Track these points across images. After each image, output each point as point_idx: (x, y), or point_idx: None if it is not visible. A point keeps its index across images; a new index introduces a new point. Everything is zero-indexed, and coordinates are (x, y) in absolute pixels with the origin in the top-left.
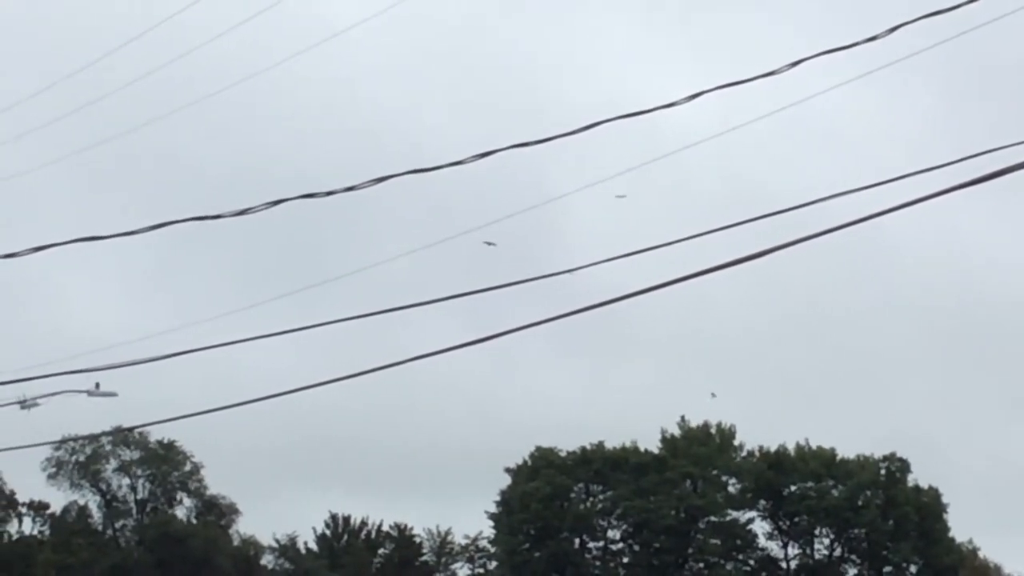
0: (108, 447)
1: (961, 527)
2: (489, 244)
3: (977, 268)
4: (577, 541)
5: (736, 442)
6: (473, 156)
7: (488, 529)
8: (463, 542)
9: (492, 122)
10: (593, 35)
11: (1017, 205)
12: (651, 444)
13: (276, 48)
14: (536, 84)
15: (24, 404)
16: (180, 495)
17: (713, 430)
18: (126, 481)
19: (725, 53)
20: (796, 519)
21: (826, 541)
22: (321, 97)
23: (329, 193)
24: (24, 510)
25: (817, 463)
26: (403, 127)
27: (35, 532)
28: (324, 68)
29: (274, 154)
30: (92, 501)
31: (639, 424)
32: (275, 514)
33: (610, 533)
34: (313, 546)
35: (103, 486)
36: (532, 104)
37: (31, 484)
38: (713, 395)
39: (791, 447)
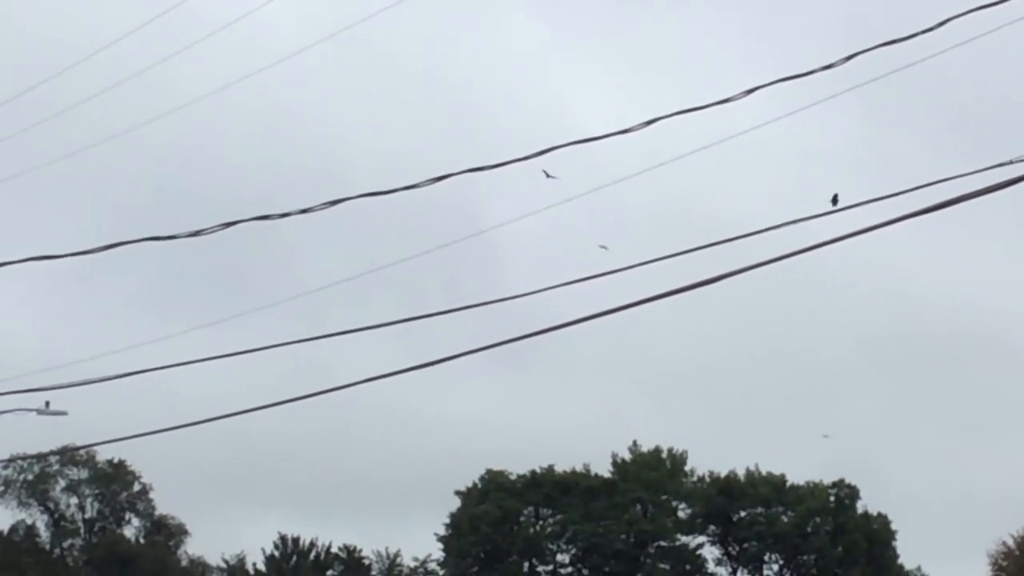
0: (57, 466)
1: (910, 554)
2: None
3: (922, 297)
4: (526, 564)
5: (687, 467)
6: (428, 180)
7: (437, 552)
8: (412, 564)
9: (442, 146)
10: (539, 62)
11: (960, 235)
12: (602, 468)
13: (229, 70)
14: (482, 109)
15: None
16: (129, 515)
17: (664, 455)
18: (74, 500)
19: (662, 75)
20: (745, 545)
21: (775, 567)
22: (273, 120)
23: (283, 215)
24: None
25: (767, 489)
26: (357, 150)
27: None
28: (275, 91)
29: (229, 176)
30: (40, 520)
31: (590, 448)
32: (224, 535)
33: (560, 557)
34: (262, 567)
35: (51, 505)
36: (483, 130)
37: None
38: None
39: (741, 473)
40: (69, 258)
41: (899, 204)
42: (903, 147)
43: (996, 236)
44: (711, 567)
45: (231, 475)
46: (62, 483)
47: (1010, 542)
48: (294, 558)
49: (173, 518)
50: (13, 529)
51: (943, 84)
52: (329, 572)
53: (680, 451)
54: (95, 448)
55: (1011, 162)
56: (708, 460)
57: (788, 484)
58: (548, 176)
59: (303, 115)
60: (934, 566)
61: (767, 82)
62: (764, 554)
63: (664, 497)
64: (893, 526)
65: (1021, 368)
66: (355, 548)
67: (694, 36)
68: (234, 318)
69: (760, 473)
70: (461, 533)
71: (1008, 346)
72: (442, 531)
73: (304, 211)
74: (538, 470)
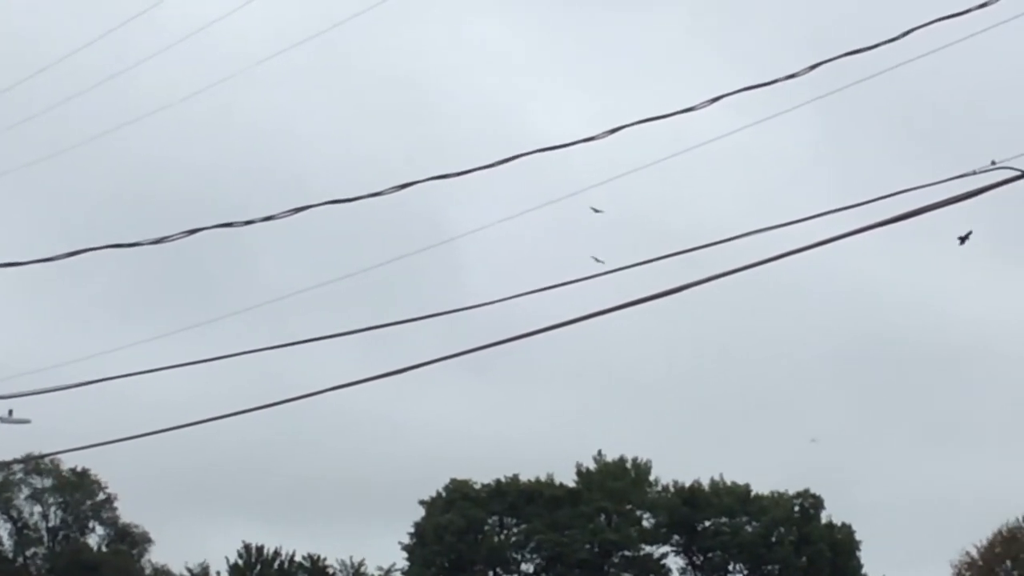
0: (20, 475)
1: (874, 564)
2: (596, 211)
3: (886, 307)
4: (491, 574)
5: (651, 477)
6: (392, 188)
7: (402, 561)
8: (376, 573)
9: (407, 153)
10: (504, 69)
11: (924, 245)
12: (566, 478)
13: (194, 77)
14: (447, 116)
15: None
16: (93, 523)
17: (628, 465)
18: (38, 509)
19: (626, 82)
20: (710, 554)
21: None
22: (236, 127)
23: (247, 222)
24: None
25: (731, 499)
26: (322, 157)
27: None
28: (239, 98)
29: (193, 183)
30: (3, 529)
31: (554, 457)
32: (188, 543)
33: (524, 566)
34: None
35: (14, 514)
36: (447, 136)
37: None
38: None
39: (705, 483)
40: (32, 265)
41: (864, 214)
42: (866, 157)
43: (958, 246)
44: None
45: (195, 483)
46: (26, 491)
47: (973, 552)
48: (258, 567)
49: (137, 526)
50: None
51: (906, 94)
52: None
53: (644, 461)
54: (59, 456)
55: (974, 172)
56: (672, 470)
57: (752, 494)
58: (596, 211)
59: (267, 122)
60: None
61: (731, 91)
62: (728, 564)
63: (628, 507)
64: (857, 536)
65: (986, 378)
66: (319, 557)
67: (658, 44)
68: (198, 326)
69: (724, 483)
70: (425, 542)
71: (973, 356)
72: (406, 540)
73: (268, 218)
74: (503, 479)
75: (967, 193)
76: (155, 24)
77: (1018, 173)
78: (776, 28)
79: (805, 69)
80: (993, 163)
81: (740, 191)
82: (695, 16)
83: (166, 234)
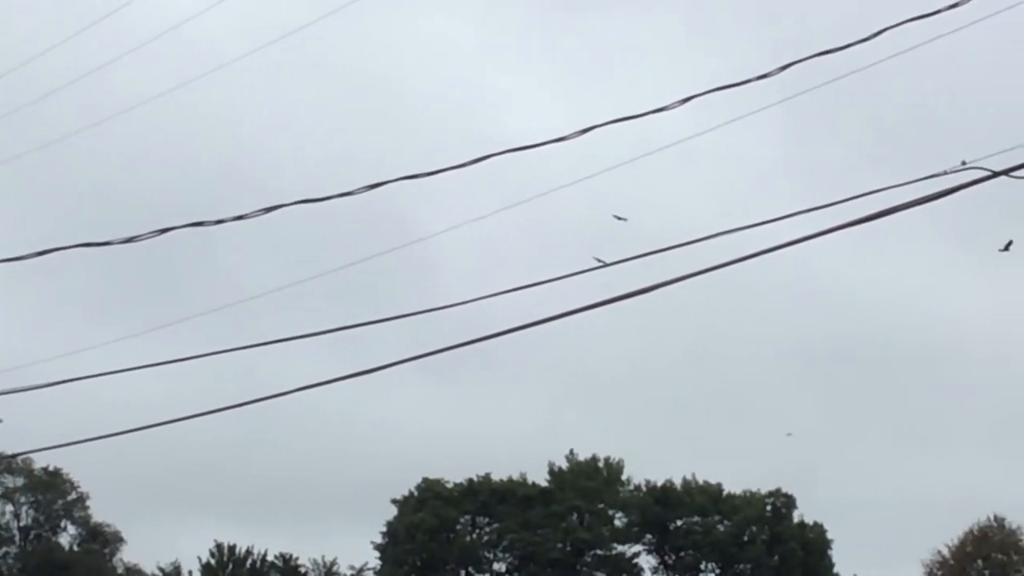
0: None
1: (845, 563)
2: (620, 219)
3: (857, 307)
4: (463, 573)
5: (623, 476)
6: (363, 187)
7: (374, 560)
8: (348, 573)
9: (377, 152)
10: (475, 68)
11: (895, 245)
12: (538, 477)
13: (164, 76)
14: (418, 115)
15: None
16: (64, 523)
17: (600, 464)
18: (9, 508)
19: (597, 82)
20: (682, 553)
21: None
22: (207, 126)
23: (218, 222)
24: None
25: (703, 498)
26: (292, 156)
27: None
28: (209, 97)
29: (163, 182)
30: None
31: (526, 457)
32: (159, 543)
33: (496, 565)
34: (198, 575)
35: None
36: (418, 136)
37: None
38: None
39: (678, 482)
40: (1, 264)
41: (835, 213)
42: (837, 157)
43: (931, 246)
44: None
45: (167, 483)
46: None
47: (945, 551)
48: (230, 566)
49: (109, 526)
50: None
51: (878, 94)
52: None
53: (617, 460)
54: (31, 456)
55: (944, 172)
56: (645, 469)
57: (724, 493)
58: (619, 219)
59: (238, 121)
60: (870, 574)
61: (702, 91)
62: (700, 563)
63: (601, 506)
64: (829, 535)
65: (957, 377)
66: (291, 556)
67: (630, 44)
68: (169, 325)
69: (697, 482)
70: (398, 541)
71: (945, 355)
72: (378, 539)
73: (239, 218)
74: (475, 479)
75: (938, 193)
76: (126, 22)
77: (989, 173)
78: (748, 28)
79: (776, 69)
80: (964, 163)
81: (712, 191)
82: (667, 16)
83: (136, 233)
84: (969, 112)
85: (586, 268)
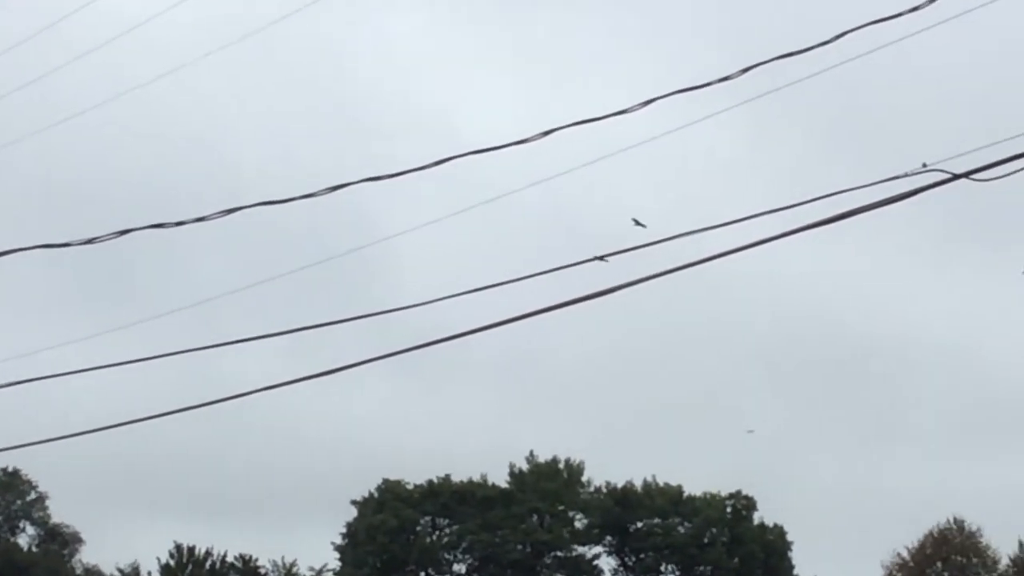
0: None
1: (805, 565)
2: (639, 224)
3: (818, 308)
4: (423, 574)
5: (583, 478)
6: (325, 189)
7: (334, 561)
8: (308, 574)
9: (339, 154)
10: (436, 70)
11: (855, 246)
12: (499, 478)
13: (124, 77)
14: (380, 117)
15: None
16: (23, 523)
17: (561, 465)
18: None
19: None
20: (642, 555)
21: None
22: (168, 128)
23: (179, 223)
24: None
25: (664, 500)
26: (253, 158)
27: None
28: (170, 99)
29: (124, 183)
30: None
31: (487, 458)
32: (119, 543)
33: (456, 567)
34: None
35: None
36: (380, 138)
37: None
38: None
39: (638, 483)
40: None
41: (797, 215)
42: (799, 159)
43: (891, 248)
44: None
45: (127, 483)
46: None
47: (905, 553)
48: (189, 567)
49: (68, 526)
50: None
51: (839, 97)
52: None
53: (577, 461)
54: None
55: (905, 175)
56: (605, 471)
57: (685, 495)
58: (638, 224)
59: (199, 123)
60: None
61: (664, 93)
62: (660, 565)
63: (561, 507)
64: (789, 537)
65: (918, 379)
66: (251, 557)
67: (590, 45)
68: (130, 326)
69: (657, 484)
70: (358, 543)
71: (905, 357)
72: (339, 540)
73: (200, 219)
74: (435, 480)
75: (899, 195)
76: (85, 23)
77: (949, 176)
78: (710, 30)
79: (738, 72)
80: (925, 165)
81: (673, 193)
82: (628, 17)
83: (97, 234)
84: (930, 114)
85: (547, 269)
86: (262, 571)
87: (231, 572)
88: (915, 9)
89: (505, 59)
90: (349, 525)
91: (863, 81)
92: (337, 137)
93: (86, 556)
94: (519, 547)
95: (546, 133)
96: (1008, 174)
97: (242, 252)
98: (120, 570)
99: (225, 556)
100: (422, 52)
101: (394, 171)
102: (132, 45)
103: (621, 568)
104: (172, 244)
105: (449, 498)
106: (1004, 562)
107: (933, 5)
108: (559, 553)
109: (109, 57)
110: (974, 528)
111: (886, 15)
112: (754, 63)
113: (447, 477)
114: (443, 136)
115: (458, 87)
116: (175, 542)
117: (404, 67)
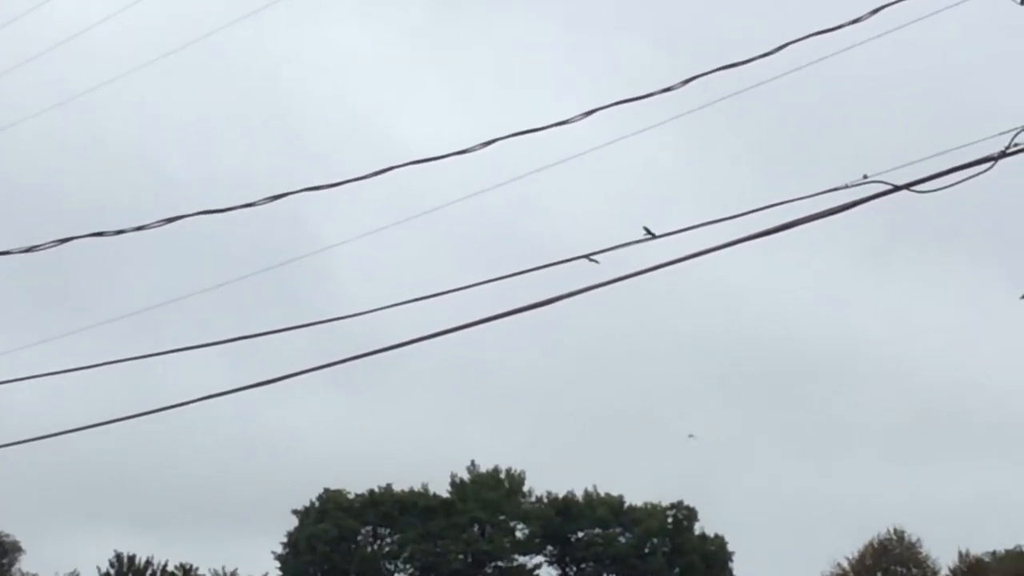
0: None
1: (746, 574)
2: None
3: (759, 318)
4: None
5: (524, 488)
6: (266, 198)
7: (275, 571)
8: None
9: (279, 163)
10: (378, 80)
11: (796, 258)
12: (440, 488)
13: (65, 85)
14: (321, 126)
15: None
16: None
17: (502, 475)
18: None
19: (499, 93)
20: (583, 565)
21: None
22: (107, 136)
23: (119, 232)
24: None
25: (605, 510)
26: (193, 166)
27: None
28: (110, 107)
29: (63, 192)
30: None
31: (428, 468)
32: (58, 552)
33: None
34: None
35: None
36: (321, 147)
37: None
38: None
39: (579, 494)
40: None
41: (738, 226)
42: (740, 170)
43: (830, 258)
44: None
45: (67, 492)
46: None
47: (845, 563)
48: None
49: (7, 535)
50: None
51: (781, 108)
52: None
53: (518, 471)
54: None
55: (847, 186)
56: (546, 481)
57: (626, 505)
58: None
59: (138, 131)
60: None
61: (605, 104)
62: (601, 574)
63: (502, 517)
64: (730, 547)
65: (858, 388)
66: (192, 567)
67: (535, 54)
68: (69, 334)
69: (598, 494)
70: (298, 552)
71: (845, 366)
72: (279, 550)
73: (140, 228)
74: (376, 489)
75: (840, 207)
76: (23, 32)
77: (890, 187)
78: (652, 41)
79: (679, 83)
80: (865, 177)
81: (614, 203)
82: (569, 27)
83: (36, 243)
84: (871, 125)
85: (487, 279)
86: None
87: None
88: (856, 21)
89: (447, 69)
90: (290, 534)
91: (805, 92)
92: (277, 146)
93: (26, 565)
94: (460, 557)
95: (487, 143)
96: (948, 185)
97: (183, 261)
98: None
99: (166, 565)
100: (363, 61)
101: (335, 180)
102: (71, 54)
103: None
104: (113, 253)
105: (390, 508)
106: (943, 572)
107: (874, 17)
108: (500, 563)
109: (48, 65)
110: (914, 539)
111: (828, 27)
112: (696, 74)
113: (388, 487)
114: (384, 146)
115: (399, 97)
116: (115, 551)
117: (345, 76)
